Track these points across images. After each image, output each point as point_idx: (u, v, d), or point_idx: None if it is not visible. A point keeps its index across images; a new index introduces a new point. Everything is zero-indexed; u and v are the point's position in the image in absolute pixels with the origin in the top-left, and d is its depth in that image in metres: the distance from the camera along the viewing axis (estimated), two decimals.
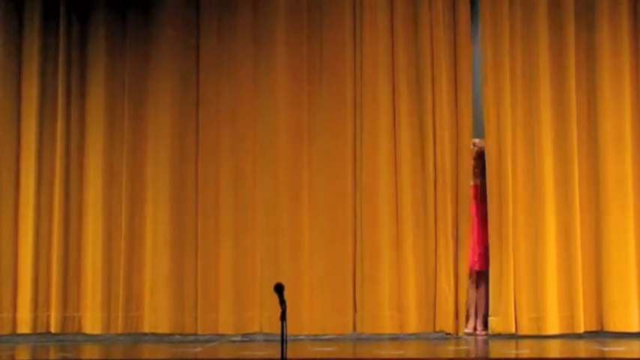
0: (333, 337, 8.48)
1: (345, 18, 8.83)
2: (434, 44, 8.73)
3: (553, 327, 8.37)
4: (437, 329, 8.47)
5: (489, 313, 8.50)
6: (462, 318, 8.48)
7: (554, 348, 7.97)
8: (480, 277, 8.68)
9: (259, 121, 8.84)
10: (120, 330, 8.69)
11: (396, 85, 8.75)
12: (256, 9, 8.92)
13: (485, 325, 8.55)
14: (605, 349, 7.67)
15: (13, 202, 8.84)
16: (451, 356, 7.50)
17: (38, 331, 8.71)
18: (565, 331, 8.37)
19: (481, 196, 8.71)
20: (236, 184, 8.78)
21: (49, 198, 8.85)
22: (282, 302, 4.86)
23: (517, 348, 7.84)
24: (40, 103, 8.93)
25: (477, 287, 8.69)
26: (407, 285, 8.53)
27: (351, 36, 8.82)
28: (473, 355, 7.77)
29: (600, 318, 8.45)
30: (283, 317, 4.84)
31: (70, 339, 8.64)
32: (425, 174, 8.65)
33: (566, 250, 8.48)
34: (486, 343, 8.30)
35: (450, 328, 8.45)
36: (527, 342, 8.18)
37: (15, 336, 8.67)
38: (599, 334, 8.37)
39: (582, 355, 7.44)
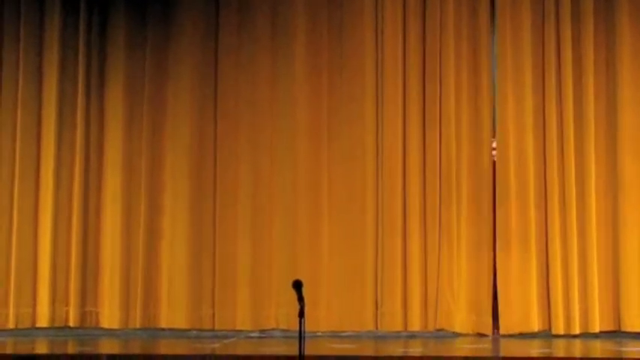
0: (351, 334, 8.50)
1: (365, 16, 8.84)
2: (451, 43, 8.72)
3: (569, 326, 8.35)
4: (447, 328, 8.47)
5: (504, 313, 8.48)
6: (476, 317, 8.45)
7: (570, 347, 7.95)
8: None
9: (278, 117, 8.87)
10: (137, 325, 8.74)
11: (417, 84, 8.74)
12: (275, 7, 8.94)
13: (502, 325, 8.54)
14: (622, 349, 7.65)
15: (32, 198, 8.91)
16: (466, 354, 7.51)
17: (57, 325, 8.77)
18: (581, 331, 8.35)
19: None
20: (254, 180, 8.82)
21: (68, 194, 8.91)
22: (301, 299, 4.88)
23: (533, 347, 7.83)
24: (59, 99, 8.99)
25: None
26: (422, 283, 8.54)
27: (372, 33, 8.82)
28: (489, 354, 7.77)
29: (617, 318, 8.42)
30: (301, 314, 4.86)
31: (88, 333, 8.70)
32: (442, 173, 8.65)
33: (582, 249, 8.45)
34: (502, 342, 8.29)
35: (461, 327, 8.45)
36: (543, 341, 8.17)
37: (34, 330, 8.73)
38: (616, 334, 8.35)
39: (598, 354, 7.42)
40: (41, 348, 8.13)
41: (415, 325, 8.50)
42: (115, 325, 8.74)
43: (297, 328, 4.88)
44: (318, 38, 8.89)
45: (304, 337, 4.90)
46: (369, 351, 7.83)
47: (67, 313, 8.81)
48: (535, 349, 7.75)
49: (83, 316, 8.81)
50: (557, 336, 8.31)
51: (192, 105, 8.94)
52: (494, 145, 8.72)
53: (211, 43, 8.98)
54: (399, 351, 7.64)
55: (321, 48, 8.88)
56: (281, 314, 8.54)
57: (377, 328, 8.56)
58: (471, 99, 8.70)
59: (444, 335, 8.44)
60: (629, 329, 8.35)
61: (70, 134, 8.98)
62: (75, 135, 8.96)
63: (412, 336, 8.44)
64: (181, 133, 8.92)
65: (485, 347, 7.95)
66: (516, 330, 8.42)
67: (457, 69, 8.71)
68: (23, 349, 7.84)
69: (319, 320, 8.44)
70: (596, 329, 8.34)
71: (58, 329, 8.76)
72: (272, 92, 8.90)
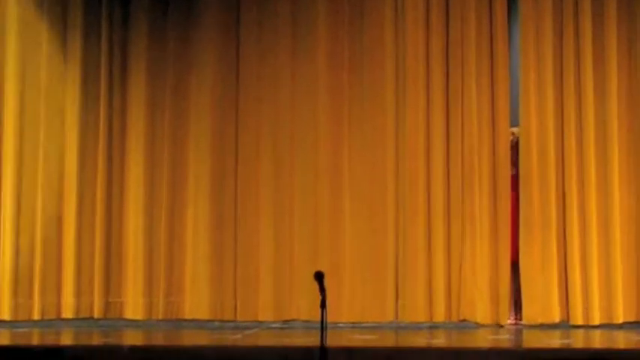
0: (372, 324, 8.52)
1: (385, 8, 8.83)
2: (472, 33, 8.70)
3: (592, 317, 8.32)
4: (470, 318, 8.45)
5: (526, 303, 8.46)
6: (497, 307, 8.44)
7: (593, 338, 7.93)
8: (517, 267, 8.65)
9: (299, 109, 8.90)
10: (160, 316, 8.82)
11: (436, 74, 8.73)
12: (296, 0, 8.96)
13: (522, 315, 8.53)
14: None
15: (56, 189, 8.99)
16: (489, 345, 7.50)
17: (81, 316, 8.87)
18: (604, 322, 8.32)
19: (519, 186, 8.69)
20: (276, 170, 8.85)
21: (91, 186, 8.99)
22: (322, 290, 4.89)
23: (555, 338, 7.81)
24: (82, 93, 9.07)
25: (514, 277, 8.67)
26: (442, 274, 8.52)
27: (392, 26, 8.82)
28: (510, 344, 7.76)
29: None
30: (323, 305, 4.87)
31: (112, 324, 8.77)
32: (464, 163, 8.63)
33: (605, 239, 8.41)
34: (523, 332, 8.27)
35: (481, 317, 8.43)
36: (565, 332, 8.15)
37: (59, 320, 8.83)
38: (639, 325, 8.31)
39: (621, 345, 7.40)
40: (66, 339, 8.20)
41: (437, 316, 8.51)
42: (139, 316, 8.82)
43: (319, 319, 4.90)
44: (339, 31, 8.89)
45: (326, 328, 4.92)
46: (390, 342, 7.83)
47: (92, 303, 8.89)
48: (558, 339, 7.72)
49: (107, 306, 8.90)
50: (579, 326, 8.28)
51: (214, 98, 8.99)
52: (512, 133, 8.70)
53: (233, 34, 9.02)
54: (421, 342, 7.63)
55: (342, 39, 8.88)
56: (303, 305, 8.57)
57: (398, 318, 8.57)
58: (492, 89, 8.66)
59: (466, 326, 8.44)
60: None
61: (94, 125, 9.06)
62: (98, 126, 9.04)
63: (434, 327, 8.45)
64: (203, 125, 8.97)
65: (507, 338, 7.94)
66: (538, 320, 8.39)
67: (478, 59, 8.68)
68: (48, 340, 7.91)
69: (341, 311, 8.47)
70: (620, 320, 8.31)
71: (83, 320, 8.84)
72: (293, 84, 8.93)
